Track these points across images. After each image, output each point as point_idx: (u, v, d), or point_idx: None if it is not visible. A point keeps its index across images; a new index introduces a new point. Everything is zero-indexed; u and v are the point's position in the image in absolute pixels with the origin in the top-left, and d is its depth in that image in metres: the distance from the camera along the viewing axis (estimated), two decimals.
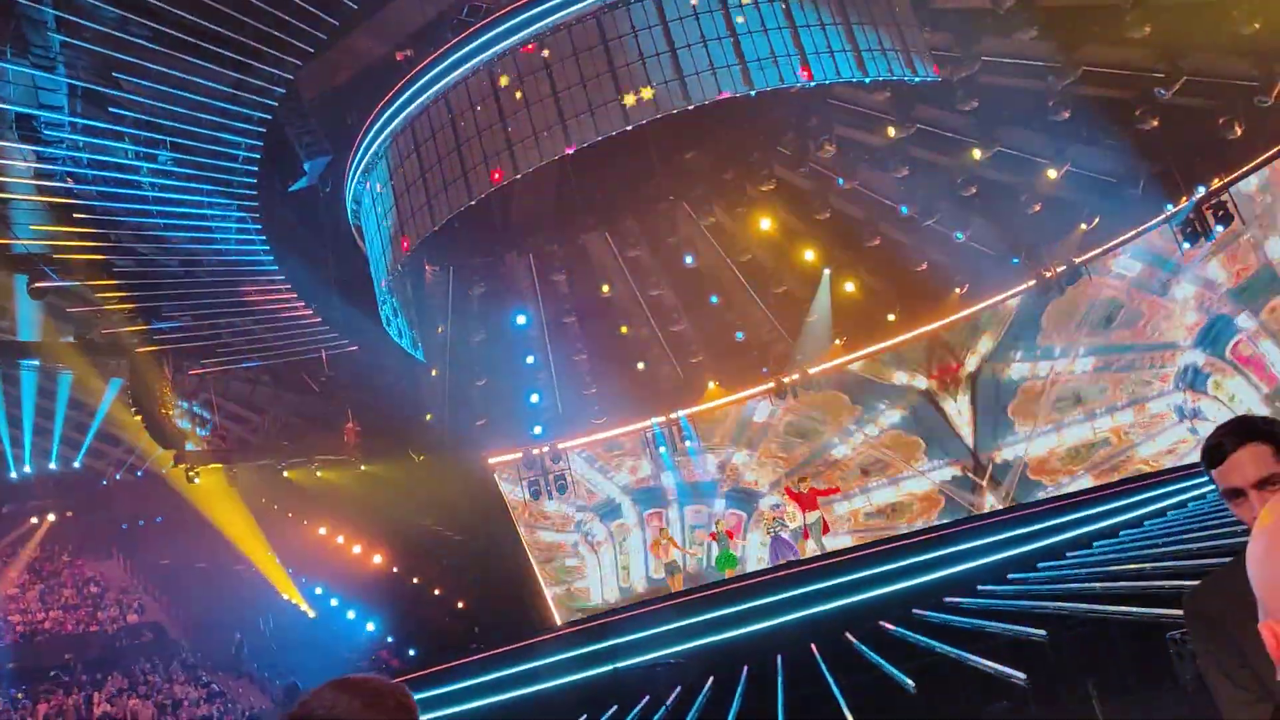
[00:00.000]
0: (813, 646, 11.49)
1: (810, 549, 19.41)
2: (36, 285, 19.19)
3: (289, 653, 28.76)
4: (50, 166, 17.88)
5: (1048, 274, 23.72)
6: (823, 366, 27.32)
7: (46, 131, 17.14)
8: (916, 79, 19.39)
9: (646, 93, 17.81)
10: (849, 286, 26.71)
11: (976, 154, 22.42)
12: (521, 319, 27.40)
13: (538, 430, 27.99)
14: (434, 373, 26.65)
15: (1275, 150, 20.14)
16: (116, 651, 28.60)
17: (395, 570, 30.59)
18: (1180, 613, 7.70)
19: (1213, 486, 2.55)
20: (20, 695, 25.70)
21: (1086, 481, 23.52)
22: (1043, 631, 8.73)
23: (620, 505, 28.31)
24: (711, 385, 28.06)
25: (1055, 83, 20.29)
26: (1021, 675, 7.98)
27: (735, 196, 26.27)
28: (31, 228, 18.78)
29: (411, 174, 19.97)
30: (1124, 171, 21.94)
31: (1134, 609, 9.34)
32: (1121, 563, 11.50)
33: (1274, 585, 1.27)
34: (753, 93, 18.48)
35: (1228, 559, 2.40)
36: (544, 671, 12.87)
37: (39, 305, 20.14)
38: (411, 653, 28.79)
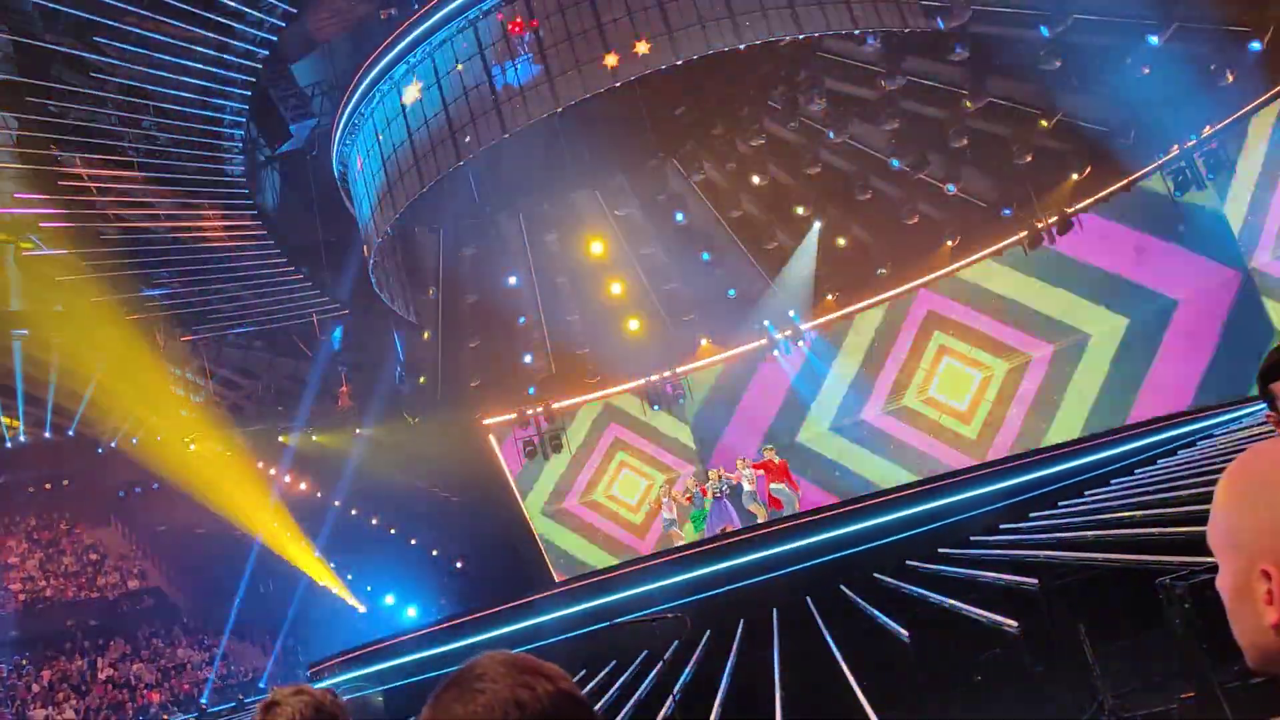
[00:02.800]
0: (808, 599, 11.64)
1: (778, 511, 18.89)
2: (24, 253, 19.06)
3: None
4: (33, 133, 17.66)
5: (1039, 225, 23.65)
6: (815, 322, 27.29)
7: (28, 97, 16.91)
8: (906, 29, 19.21)
9: (642, 46, 17.51)
10: (840, 240, 26.62)
11: (968, 105, 22.25)
12: (513, 280, 27.29)
13: (531, 390, 28.02)
14: (426, 335, 26.61)
15: (1267, 96, 20.01)
16: (118, 617, 28.81)
17: (393, 532, 30.77)
18: (1169, 559, 7.81)
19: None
20: (24, 662, 25.93)
21: None
22: (1034, 580, 8.83)
23: None
24: (704, 343, 28.05)
25: (1047, 31, 20.11)
26: (1013, 623, 8.09)
27: (725, 152, 26.07)
28: (15, 196, 18.58)
29: (398, 135, 19.77)
30: (1116, 120, 21.82)
31: (1124, 556, 9.45)
32: (1112, 511, 11.61)
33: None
34: (742, 46, 18.29)
35: None
36: (542, 628, 13.00)
37: (27, 274, 19.99)
38: (411, 612, 29.07)
